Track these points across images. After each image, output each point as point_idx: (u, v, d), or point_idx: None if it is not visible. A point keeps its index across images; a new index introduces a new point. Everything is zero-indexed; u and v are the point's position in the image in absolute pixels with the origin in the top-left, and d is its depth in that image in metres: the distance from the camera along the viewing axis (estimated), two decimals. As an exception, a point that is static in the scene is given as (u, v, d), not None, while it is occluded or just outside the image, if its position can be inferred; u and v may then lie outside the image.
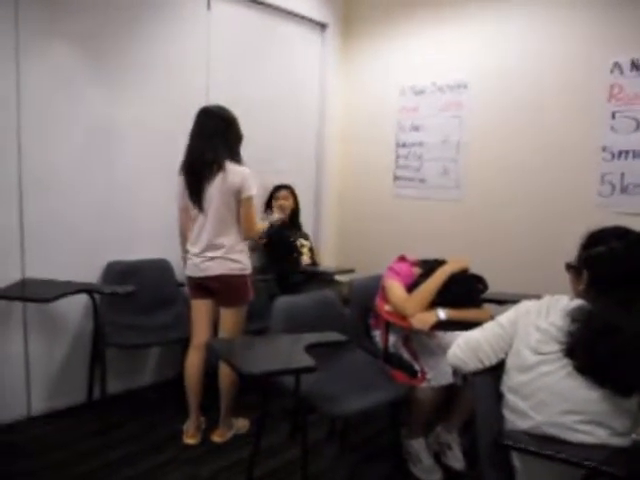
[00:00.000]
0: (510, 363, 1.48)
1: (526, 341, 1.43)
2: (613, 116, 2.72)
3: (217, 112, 2.35)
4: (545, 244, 2.91)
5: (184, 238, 2.48)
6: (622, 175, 2.71)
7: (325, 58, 3.80)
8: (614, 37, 2.70)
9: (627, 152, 2.69)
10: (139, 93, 2.83)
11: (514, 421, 1.43)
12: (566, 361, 1.35)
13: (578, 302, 1.41)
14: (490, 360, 1.52)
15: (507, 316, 1.55)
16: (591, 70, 2.77)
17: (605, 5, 2.71)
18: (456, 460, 2.33)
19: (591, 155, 2.77)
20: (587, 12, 2.78)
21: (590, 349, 1.30)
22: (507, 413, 1.47)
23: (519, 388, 1.43)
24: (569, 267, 1.51)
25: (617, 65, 2.70)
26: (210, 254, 2.32)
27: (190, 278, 2.43)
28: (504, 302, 2.54)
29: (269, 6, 3.38)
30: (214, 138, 2.28)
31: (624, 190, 2.70)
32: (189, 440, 2.43)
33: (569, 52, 2.85)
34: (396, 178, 3.67)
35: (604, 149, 2.75)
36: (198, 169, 2.28)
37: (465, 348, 1.55)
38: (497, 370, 1.53)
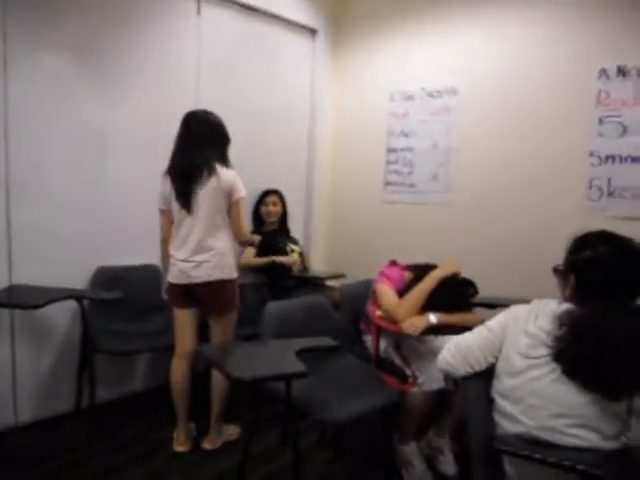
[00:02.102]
0: (500, 368, 1.49)
1: (515, 346, 1.44)
2: (600, 121, 2.75)
3: (204, 117, 2.34)
4: (535, 248, 2.93)
5: (165, 241, 2.44)
6: (609, 179, 2.74)
7: (315, 63, 3.82)
8: (600, 44, 2.74)
9: (614, 157, 2.73)
10: (129, 98, 2.82)
11: (505, 426, 1.44)
12: (555, 365, 1.35)
13: (566, 306, 1.42)
14: (480, 365, 1.52)
15: (497, 320, 1.56)
16: (579, 76, 2.80)
17: (592, 14, 2.75)
18: (448, 465, 2.33)
19: (579, 160, 2.80)
20: (575, 20, 2.82)
21: (578, 353, 1.31)
22: (498, 417, 1.47)
23: (509, 393, 1.43)
24: (556, 271, 1.52)
25: (604, 71, 2.74)
26: (199, 258, 2.28)
27: (175, 285, 2.37)
28: (494, 306, 2.55)
29: (259, 12, 3.38)
30: (203, 142, 2.27)
31: (611, 194, 2.73)
32: (179, 448, 2.41)
33: (557, 59, 2.88)
34: (387, 183, 3.68)
35: (592, 154, 2.78)
36: (188, 173, 2.26)
37: (455, 353, 1.56)
38: (488, 374, 1.54)
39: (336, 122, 3.97)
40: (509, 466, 1.43)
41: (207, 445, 2.44)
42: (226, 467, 2.29)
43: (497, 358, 1.51)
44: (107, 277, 2.75)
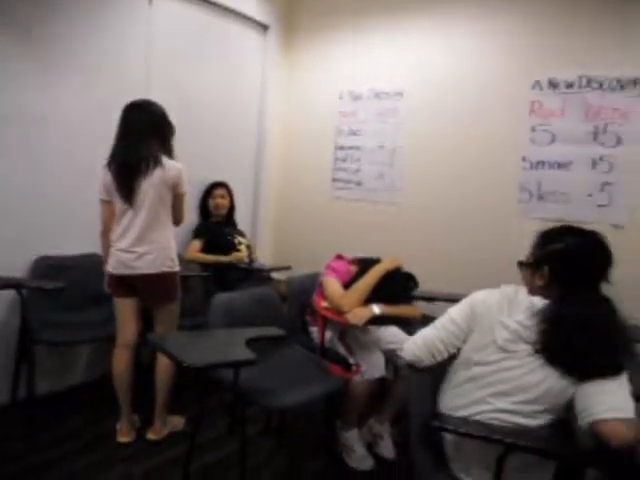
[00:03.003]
0: (471, 356, 1.54)
1: (492, 337, 1.49)
2: (533, 129, 2.96)
3: (147, 107, 2.31)
4: (472, 244, 3.11)
5: (106, 233, 2.40)
6: (539, 184, 2.96)
7: (267, 58, 3.84)
8: (535, 58, 2.96)
9: (543, 162, 2.95)
10: (74, 85, 2.74)
11: (465, 406, 1.52)
12: (533, 358, 1.42)
13: (541, 301, 1.47)
14: (442, 355, 1.60)
15: (460, 312, 1.60)
16: (515, 86, 3.00)
17: (529, 30, 2.96)
18: (387, 449, 2.44)
19: (513, 164, 3.01)
20: (513, 35, 3.02)
21: (566, 344, 1.38)
22: (458, 399, 1.54)
23: (477, 378, 1.50)
24: (525, 265, 1.57)
25: (537, 83, 2.95)
26: (140, 249, 2.27)
27: (113, 275, 2.34)
28: (433, 299, 2.71)
29: (212, 4, 3.37)
30: (146, 133, 2.25)
31: (540, 197, 2.95)
32: (122, 439, 2.39)
33: (497, 69, 3.07)
34: (334, 180, 3.77)
35: (524, 159, 2.99)
36: (132, 164, 2.23)
37: (421, 345, 1.62)
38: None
39: (286, 117, 4.01)
40: (448, 444, 1.53)
41: (151, 436, 2.43)
42: (171, 457, 2.30)
43: (459, 348, 1.58)
44: (48, 266, 2.66)
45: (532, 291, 1.54)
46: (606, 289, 1.46)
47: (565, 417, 1.45)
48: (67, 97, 2.72)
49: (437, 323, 1.65)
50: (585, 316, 1.39)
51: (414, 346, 1.63)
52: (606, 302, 1.42)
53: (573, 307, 1.41)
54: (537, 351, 1.41)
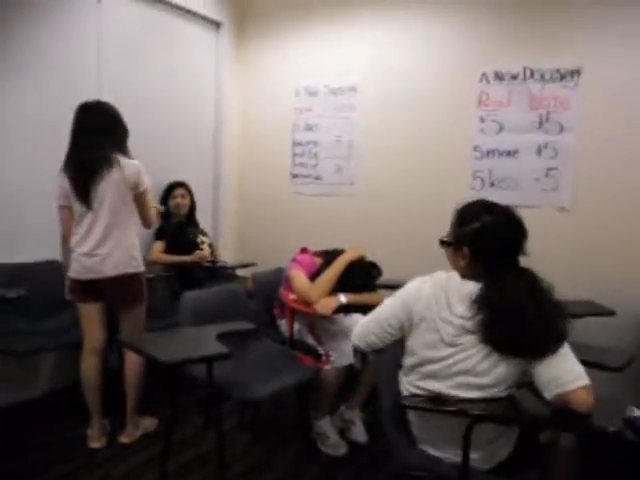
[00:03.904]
0: (423, 354, 1.53)
1: (438, 335, 1.48)
2: (482, 119, 3.10)
3: (100, 108, 2.29)
4: (429, 233, 3.19)
5: (66, 238, 2.36)
6: (490, 171, 3.11)
7: (220, 56, 3.84)
8: (482, 51, 3.10)
9: (494, 151, 3.09)
10: (22, 86, 2.67)
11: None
12: (481, 345, 1.43)
13: (475, 286, 1.46)
14: (378, 346, 1.64)
15: (393, 314, 1.58)
16: (464, 78, 3.14)
17: (475, 23, 3.10)
18: (360, 434, 2.52)
19: (465, 154, 3.15)
20: (461, 28, 3.15)
21: (505, 330, 1.41)
22: (418, 391, 1.56)
23: (435, 374, 1.51)
24: (446, 244, 1.59)
25: (484, 75, 3.09)
26: (102, 252, 2.25)
27: (77, 281, 2.31)
28: (395, 287, 2.80)
29: (162, 2, 3.34)
30: (100, 134, 2.23)
31: (491, 184, 3.10)
32: (95, 444, 2.36)
33: (446, 62, 3.20)
34: (294, 175, 3.82)
35: (475, 148, 3.13)
36: (88, 166, 2.20)
37: (358, 335, 1.68)
38: (395, 346, 1.66)
39: (242, 115, 4.02)
40: (414, 418, 1.61)
41: (124, 439, 2.42)
42: (148, 457, 2.30)
43: (402, 337, 1.60)
44: (5, 274, 2.58)
45: (456, 270, 1.55)
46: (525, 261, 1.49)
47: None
48: (18, 100, 2.65)
49: (375, 315, 1.65)
50: (515, 298, 1.40)
51: (355, 335, 1.69)
52: (529, 275, 1.45)
53: (501, 290, 1.42)
54: (482, 342, 1.43)
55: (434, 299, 1.51)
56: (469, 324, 1.45)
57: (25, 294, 2.39)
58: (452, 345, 1.47)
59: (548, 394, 1.38)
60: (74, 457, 2.28)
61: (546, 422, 1.47)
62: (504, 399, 1.47)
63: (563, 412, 1.37)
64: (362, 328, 1.68)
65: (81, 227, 2.27)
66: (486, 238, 1.48)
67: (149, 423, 2.54)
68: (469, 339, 1.45)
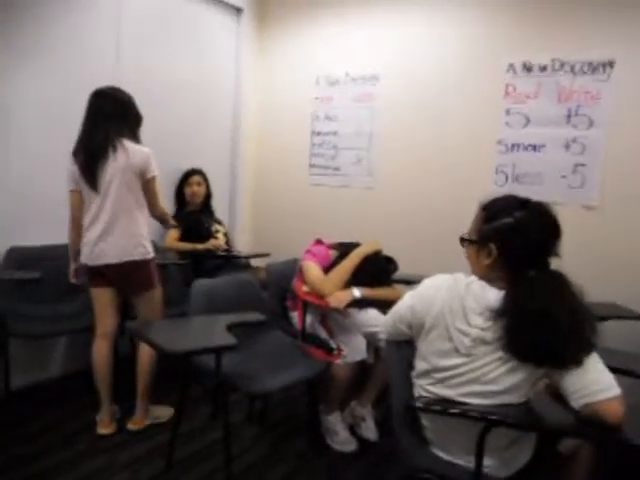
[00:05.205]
0: (435, 361, 1.46)
1: (452, 345, 1.41)
2: (508, 112, 3.00)
3: (113, 94, 2.27)
4: (448, 228, 3.12)
5: (76, 223, 2.35)
6: (514, 166, 3.00)
7: (240, 43, 3.79)
8: (509, 41, 2.99)
9: (518, 145, 2.99)
10: (39, 71, 2.65)
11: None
12: (500, 354, 1.35)
13: (496, 296, 1.38)
14: (401, 338, 1.60)
15: (405, 315, 1.54)
16: (491, 69, 3.03)
17: (504, 11, 2.99)
18: (370, 431, 2.47)
19: (489, 147, 3.04)
20: (488, 16, 3.04)
21: (530, 338, 1.30)
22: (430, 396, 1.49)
23: (447, 381, 1.45)
24: (469, 242, 1.48)
25: (511, 66, 2.98)
26: (109, 238, 2.23)
27: (87, 266, 2.31)
28: (412, 282, 2.73)
29: (183, -14, 3.30)
30: (112, 120, 2.22)
31: (515, 179, 3.00)
32: (103, 430, 2.35)
33: (472, 52, 3.10)
34: (311, 166, 3.76)
35: (499, 142, 3.03)
36: (96, 151, 2.20)
37: (383, 325, 1.68)
38: (407, 345, 1.60)
39: (261, 103, 3.97)
40: (426, 421, 1.55)
41: (132, 426, 2.40)
42: (154, 446, 2.28)
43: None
44: (20, 258, 2.59)
45: (477, 270, 1.45)
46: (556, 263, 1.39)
47: None
48: (32, 84, 2.64)
49: (394, 309, 1.60)
50: (544, 303, 1.29)
51: (382, 325, 1.71)
52: (559, 278, 1.34)
53: (529, 294, 1.32)
54: (502, 349, 1.34)
55: (449, 307, 1.42)
56: (487, 335, 1.36)
57: (39, 276, 2.39)
58: (467, 355, 1.40)
59: (575, 404, 1.29)
60: (80, 442, 2.28)
61: (567, 430, 1.38)
62: (520, 404, 1.40)
63: (590, 422, 1.28)
64: (386, 319, 1.66)
65: (89, 213, 2.27)
66: (518, 235, 1.37)
67: (162, 412, 2.51)
68: (485, 348, 1.37)
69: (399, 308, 1.59)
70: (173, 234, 3.23)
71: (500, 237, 1.39)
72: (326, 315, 2.43)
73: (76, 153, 2.25)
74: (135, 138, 2.29)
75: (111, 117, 2.22)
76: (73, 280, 2.42)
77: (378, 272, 2.40)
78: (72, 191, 2.32)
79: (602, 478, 1.44)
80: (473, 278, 1.45)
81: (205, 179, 3.46)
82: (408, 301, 1.55)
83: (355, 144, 3.56)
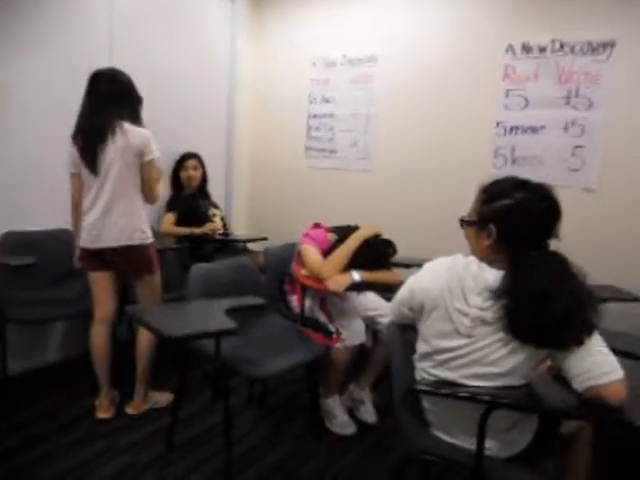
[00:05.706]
0: (436, 343, 1.47)
1: (453, 325, 1.42)
2: (507, 94, 2.96)
3: (112, 76, 2.23)
4: (446, 211, 3.11)
5: (76, 206, 2.33)
6: (513, 149, 2.98)
7: (236, 25, 3.72)
8: (508, 22, 2.93)
9: (517, 128, 2.96)
10: (33, 53, 2.59)
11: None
12: (500, 335, 1.35)
13: (495, 275, 1.38)
14: (405, 321, 1.61)
15: (406, 298, 1.56)
16: (489, 51, 2.98)
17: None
18: (369, 414, 2.48)
19: (487, 129, 3.01)
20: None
21: (530, 319, 1.30)
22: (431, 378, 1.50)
23: (449, 363, 1.45)
24: (469, 223, 1.48)
25: (511, 47, 2.94)
26: (108, 221, 2.21)
27: (86, 249, 2.29)
28: (411, 266, 2.73)
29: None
30: (110, 101, 2.18)
31: (514, 162, 2.98)
32: (102, 414, 2.36)
33: (470, 33, 3.04)
34: (308, 148, 3.72)
35: (498, 124, 2.99)
36: (95, 134, 2.16)
37: (389, 309, 1.69)
38: (409, 329, 1.61)
39: (257, 86, 3.91)
40: (427, 403, 1.55)
41: (130, 410, 2.41)
42: (154, 430, 2.28)
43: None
44: (16, 243, 2.57)
45: (477, 252, 1.46)
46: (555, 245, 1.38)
47: None
48: (28, 67, 2.58)
49: (398, 294, 1.62)
50: (544, 284, 1.29)
51: (389, 310, 1.70)
52: (559, 259, 1.34)
53: (529, 275, 1.32)
54: (503, 330, 1.35)
55: (448, 288, 1.43)
56: (486, 315, 1.37)
57: (32, 261, 2.36)
58: (468, 336, 1.40)
59: (578, 386, 1.29)
60: (79, 427, 2.28)
61: (569, 412, 1.38)
62: (521, 386, 1.40)
63: (592, 404, 1.28)
64: (392, 303, 1.66)
65: (89, 196, 2.24)
66: (517, 216, 1.37)
67: (161, 397, 2.51)
68: (486, 329, 1.38)
69: (402, 292, 1.60)
70: (169, 218, 3.20)
71: (500, 218, 1.39)
72: (325, 299, 2.43)
73: (75, 136, 2.21)
74: (136, 120, 2.25)
75: (109, 99, 2.18)
76: (78, 265, 2.40)
77: (377, 255, 2.39)
78: (72, 174, 2.29)
79: (602, 460, 1.45)
80: (472, 258, 1.46)
81: (201, 163, 3.42)
82: (410, 284, 1.57)
83: (352, 127, 3.52)
